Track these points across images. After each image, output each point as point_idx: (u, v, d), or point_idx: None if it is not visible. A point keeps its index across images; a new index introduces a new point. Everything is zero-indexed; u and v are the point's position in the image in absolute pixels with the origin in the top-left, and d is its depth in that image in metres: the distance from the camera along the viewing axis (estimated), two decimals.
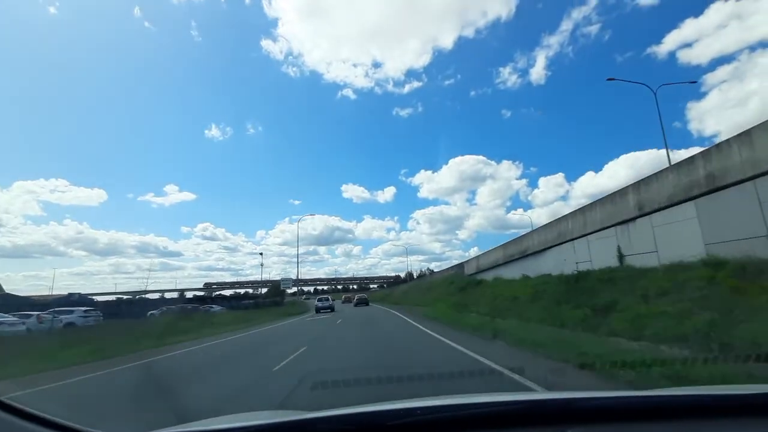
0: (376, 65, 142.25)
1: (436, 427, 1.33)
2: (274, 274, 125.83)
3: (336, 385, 4.93)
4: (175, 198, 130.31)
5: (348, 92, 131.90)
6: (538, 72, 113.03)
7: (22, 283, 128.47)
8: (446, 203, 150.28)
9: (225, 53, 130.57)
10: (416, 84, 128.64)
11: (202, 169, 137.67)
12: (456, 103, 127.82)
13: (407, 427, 1.34)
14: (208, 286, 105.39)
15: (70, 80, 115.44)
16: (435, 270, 64.04)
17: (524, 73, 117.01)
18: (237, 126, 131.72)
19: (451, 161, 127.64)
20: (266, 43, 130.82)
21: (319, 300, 37.26)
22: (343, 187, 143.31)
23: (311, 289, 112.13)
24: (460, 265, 35.18)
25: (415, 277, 59.21)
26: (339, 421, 1.38)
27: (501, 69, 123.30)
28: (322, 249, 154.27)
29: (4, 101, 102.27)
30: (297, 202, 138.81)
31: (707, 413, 1.35)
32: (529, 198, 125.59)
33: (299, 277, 55.00)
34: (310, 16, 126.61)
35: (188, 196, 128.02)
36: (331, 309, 33.72)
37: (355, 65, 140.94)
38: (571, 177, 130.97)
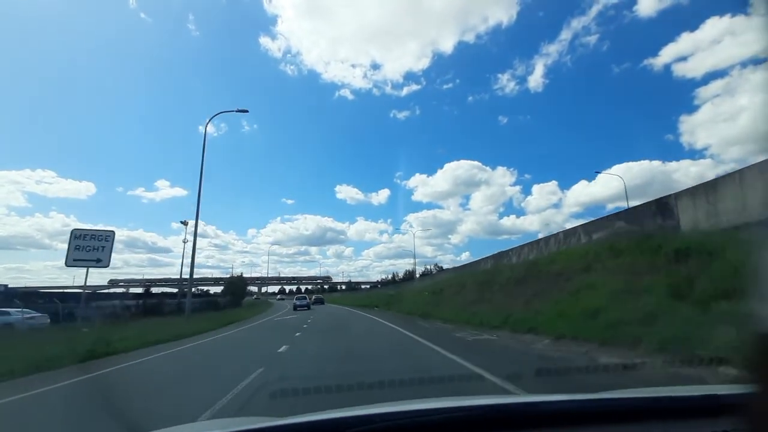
0: (375, 67, 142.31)
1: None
2: (263, 271, 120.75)
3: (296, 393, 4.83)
4: (166, 194, 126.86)
5: (346, 93, 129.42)
6: (536, 80, 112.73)
7: (4, 275, 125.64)
8: (440, 207, 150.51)
9: (223, 49, 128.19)
10: (414, 87, 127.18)
11: (194, 166, 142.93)
12: (453, 108, 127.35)
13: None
14: (113, 283, 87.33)
15: (61, 71, 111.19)
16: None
17: (522, 80, 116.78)
18: (232, 123, 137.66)
19: (447, 165, 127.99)
20: (265, 41, 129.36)
21: (297, 299, 42.13)
22: (337, 188, 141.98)
23: (293, 288, 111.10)
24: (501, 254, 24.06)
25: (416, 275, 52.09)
26: (296, 429, 1.37)
27: (500, 75, 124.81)
28: (313, 249, 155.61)
29: None
30: (290, 202, 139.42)
31: (665, 414, 1.40)
32: (523, 205, 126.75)
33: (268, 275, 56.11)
34: (310, 15, 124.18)
35: (180, 192, 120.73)
36: (308, 307, 37.24)
37: (353, 66, 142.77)
38: (565, 185, 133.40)
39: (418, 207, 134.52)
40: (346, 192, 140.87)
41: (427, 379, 5.62)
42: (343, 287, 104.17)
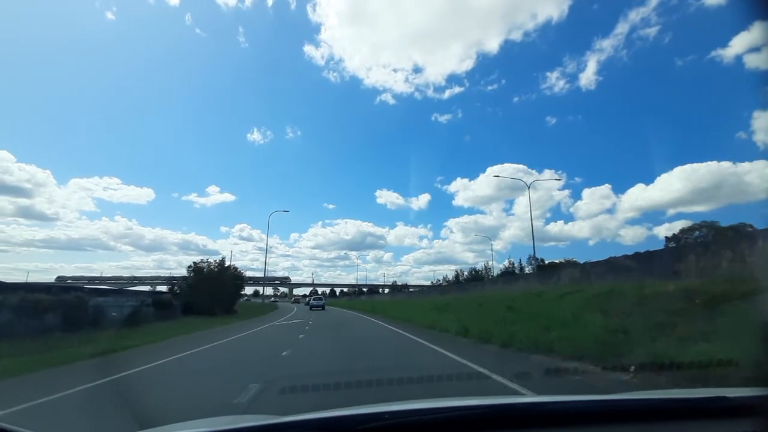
0: (417, 70, 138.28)
1: (405, 430, 1.38)
2: (305, 276, 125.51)
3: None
4: (216, 199, 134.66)
5: (387, 97, 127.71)
6: (588, 77, 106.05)
7: (75, 273, 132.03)
8: (482, 212, 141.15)
9: (269, 59, 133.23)
10: (457, 89, 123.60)
11: (242, 172, 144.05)
12: (498, 110, 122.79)
13: (375, 431, 1.36)
14: (61, 280, 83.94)
15: (123, 86, 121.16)
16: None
17: (573, 78, 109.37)
18: (277, 130, 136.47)
19: (489, 169, 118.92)
20: (309, 49, 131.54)
21: (314, 299, 48.93)
22: (378, 193, 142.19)
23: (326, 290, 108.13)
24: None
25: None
26: (307, 426, 1.38)
27: (548, 74, 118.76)
28: (353, 254, 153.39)
29: (64, 104, 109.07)
30: (331, 206, 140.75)
31: (666, 416, 1.42)
32: (571, 210, 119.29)
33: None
34: (353, 21, 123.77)
35: (228, 197, 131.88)
36: (322, 308, 42.44)
37: (395, 70, 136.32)
38: (619, 189, 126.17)
39: (459, 212, 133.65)
40: (387, 197, 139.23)
41: None
42: (386, 290, 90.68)
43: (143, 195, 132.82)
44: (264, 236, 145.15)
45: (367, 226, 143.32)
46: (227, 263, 33.70)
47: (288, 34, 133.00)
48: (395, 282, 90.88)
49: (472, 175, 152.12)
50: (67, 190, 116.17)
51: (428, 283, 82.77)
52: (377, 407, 1.55)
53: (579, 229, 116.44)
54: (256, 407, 4.55)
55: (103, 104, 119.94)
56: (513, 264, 62.24)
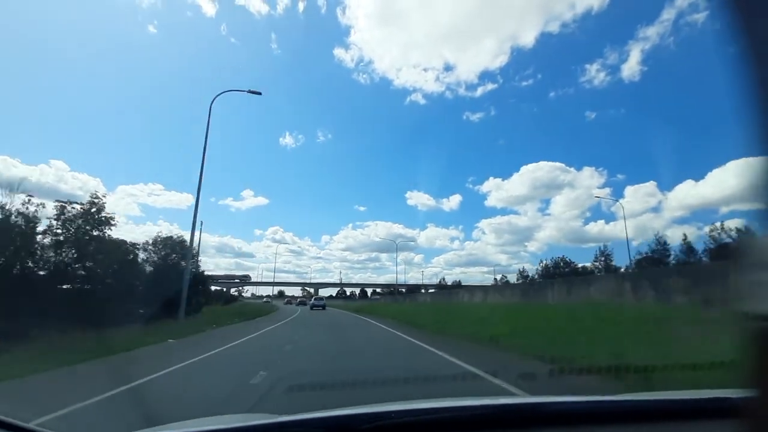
0: (448, 68, 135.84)
1: (407, 430, 1.39)
2: (335, 278, 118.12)
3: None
4: (251, 202, 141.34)
5: (417, 97, 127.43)
6: (630, 68, 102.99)
7: None
8: (515, 213, 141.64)
9: (300, 63, 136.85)
10: (490, 86, 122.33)
11: (275, 176, 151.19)
12: (533, 106, 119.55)
13: (380, 430, 1.37)
14: None
15: (165, 94, 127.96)
16: None
17: (614, 69, 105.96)
18: (308, 134, 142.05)
19: (524, 168, 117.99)
20: (339, 52, 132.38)
21: (315, 299, 48.91)
22: (408, 194, 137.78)
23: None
24: None
25: None
26: (313, 425, 1.40)
27: (587, 66, 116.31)
28: (383, 256, 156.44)
29: (110, 114, 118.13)
30: (362, 209, 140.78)
31: (665, 417, 1.46)
32: (613, 209, 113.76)
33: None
34: (382, 22, 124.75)
35: (262, 200, 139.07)
36: (323, 307, 42.76)
37: (425, 69, 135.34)
38: (666, 186, 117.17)
39: (492, 212, 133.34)
40: (417, 198, 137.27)
41: None
42: (431, 290, 77.81)
43: (183, 200, 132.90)
44: (296, 239, 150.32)
45: (398, 228, 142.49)
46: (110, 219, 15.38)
47: (318, 38, 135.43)
48: (443, 280, 76.51)
49: (505, 174, 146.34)
50: (115, 196, 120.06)
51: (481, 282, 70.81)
52: (383, 406, 1.55)
53: (621, 229, 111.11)
54: None
55: (145, 114, 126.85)
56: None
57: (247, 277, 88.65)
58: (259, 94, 21.99)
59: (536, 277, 49.75)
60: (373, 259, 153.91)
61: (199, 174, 19.16)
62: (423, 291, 74.96)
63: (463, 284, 71.03)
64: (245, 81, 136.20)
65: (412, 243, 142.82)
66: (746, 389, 0.59)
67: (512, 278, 64.86)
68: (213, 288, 67.99)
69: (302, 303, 68.48)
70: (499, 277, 72.30)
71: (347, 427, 1.37)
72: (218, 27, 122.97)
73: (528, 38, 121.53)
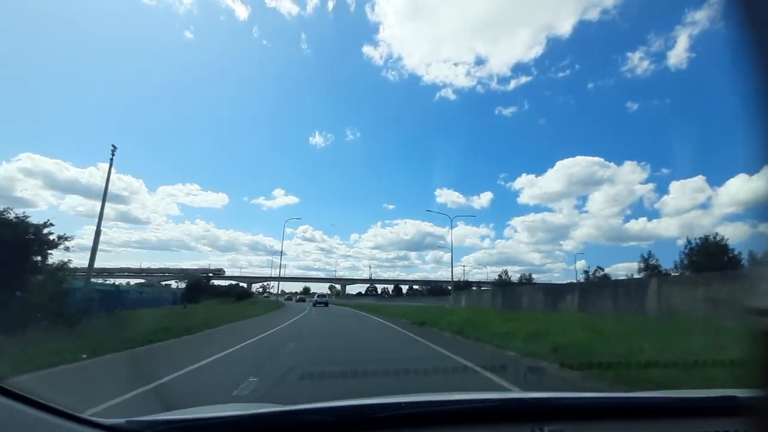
0: (480, 62, 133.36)
1: (417, 421, 1.40)
2: (365, 275, 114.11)
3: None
4: (282, 201, 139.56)
5: (447, 93, 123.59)
6: (677, 55, 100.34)
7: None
8: (550, 210, 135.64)
9: (330, 62, 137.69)
10: (524, 79, 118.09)
11: (305, 175, 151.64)
12: (570, 98, 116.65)
13: (389, 420, 1.39)
14: None
15: (201, 98, 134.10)
16: None
17: (659, 57, 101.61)
18: (337, 132, 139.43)
19: (559, 164, 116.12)
20: (367, 49, 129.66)
21: (318, 297, 50.09)
22: (437, 192, 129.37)
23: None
24: None
25: None
26: (324, 413, 1.42)
27: (629, 55, 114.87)
28: (412, 254, 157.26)
29: (153, 118, 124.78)
30: (391, 207, 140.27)
31: (670, 414, 1.48)
32: (656, 206, 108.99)
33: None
34: (411, 18, 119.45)
35: (292, 199, 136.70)
36: (326, 304, 43.60)
37: (456, 64, 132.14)
38: (716, 181, 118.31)
39: (525, 210, 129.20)
40: (447, 196, 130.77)
41: None
42: (484, 287, 65.35)
43: (219, 199, 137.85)
44: (326, 237, 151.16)
45: (427, 226, 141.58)
46: None
47: (347, 37, 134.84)
48: (503, 274, 61.25)
49: (539, 170, 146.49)
50: (157, 196, 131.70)
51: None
52: (394, 398, 1.58)
53: (665, 227, 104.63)
54: None
55: (183, 117, 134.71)
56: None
57: (221, 270, 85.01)
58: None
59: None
60: (402, 257, 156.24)
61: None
62: (475, 288, 61.21)
63: (529, 281, 56.10)
64: (276, 81, 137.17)
65: (441, 242, 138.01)
66: (752, 387, 0.57)
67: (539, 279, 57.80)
68: (228, 283, 64.71)
69: (301, 300, 69.11)
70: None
71: (358, 417, 1.40)
72: (250, 30, 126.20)
73: (565, 27, 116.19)
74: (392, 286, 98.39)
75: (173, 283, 58.39)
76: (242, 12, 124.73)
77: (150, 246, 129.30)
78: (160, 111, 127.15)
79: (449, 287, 78.86)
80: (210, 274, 63.13)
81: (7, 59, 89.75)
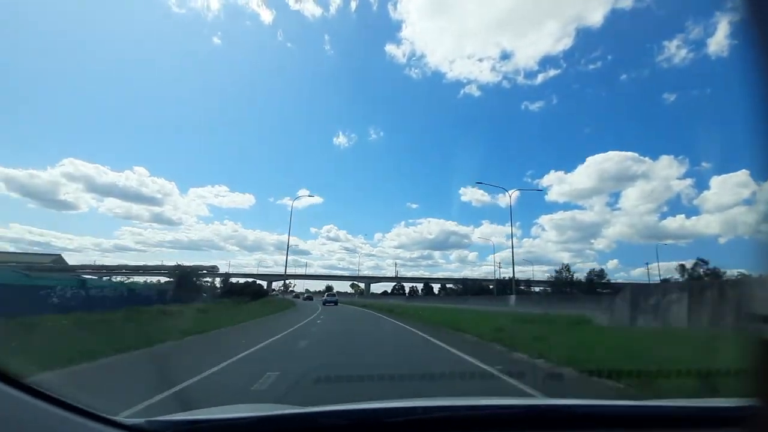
0: (505, 56, 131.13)
1: (435, 427, 1.36)
2: (390, 273, 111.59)
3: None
4: (306, 201, 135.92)
5: (471, 89, 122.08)
6: (718, 42, 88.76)
7: None
8: (580, 208, 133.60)
9: (352, 62, 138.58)
10: (552, 72, 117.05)
11: (329, 175, 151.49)
12: (601, 91, 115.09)
13: (406, 425, 1.36)
14: None
15: (229, 101, 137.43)
16: None
17: (698, 45, 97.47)
18: (361, 132, 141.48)
19: (590, 159, 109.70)
20: (390, 48, 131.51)
21: (328, 295, 52.92)
22: (462, 190, 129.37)
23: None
24: None
25: None
26: (340, 416, 1.41)
27: (665, 43, 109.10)
28: (436, 254, 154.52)
29: (183, 121, 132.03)
30: (414, 206, 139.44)
31: (671, 423, 1.42)
32: (695, 202, 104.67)
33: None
34: (435, 14, 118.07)
35: (317, 199, 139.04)
36: (335, 303, 43.84)
37: (480, 59, 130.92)
38: (762, 175, 78.82)
39: (553, 208, 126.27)
40: (472, 194, 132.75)
41: None
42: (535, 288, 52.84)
43: (246, 200, 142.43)
44: (350, 237, 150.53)
45: (451, 225, 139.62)
46: None
47: (370, 36, 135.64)
48: (563, 270, 50.30)
49: (569, 167, 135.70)
50: (188, 198, 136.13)
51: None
52: (410, 401, 1.55)
53: (706, 224, 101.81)
54: None
55: (212, 120, 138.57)
56: None
57: (215, 267, 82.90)
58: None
59: None
60: (426, 257, 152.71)
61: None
62: (523, 287, 50.75)
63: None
64: (300, 83, 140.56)
65: (466, 241, 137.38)
66: (752, 397, 0.58)
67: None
68: (244, 281, 62.25)
69: (309, 299, 69.40)
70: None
71: (374, 422, 1.38)
72: (275, 33, 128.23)
73: (596, 17, 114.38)
74: (421, 284, 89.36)
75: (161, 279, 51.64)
76: (267, 16, 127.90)
77: (182, 246, 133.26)
78: (190, 115, 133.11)
79: (491, 286, 69.15)
80: (204, 271, 59.40)
81: (48, 71, 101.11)
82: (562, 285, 42.00)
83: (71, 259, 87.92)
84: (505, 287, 57.19)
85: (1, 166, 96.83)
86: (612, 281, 44.87)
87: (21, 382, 1.01)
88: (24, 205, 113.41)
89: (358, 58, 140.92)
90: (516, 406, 1.58)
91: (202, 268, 68.50)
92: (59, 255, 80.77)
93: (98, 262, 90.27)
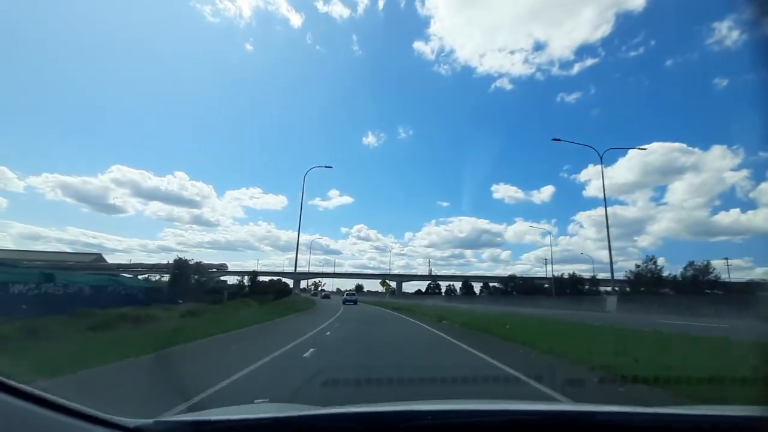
0: (538, 47, 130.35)
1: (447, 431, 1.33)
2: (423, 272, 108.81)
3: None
4: (337, 202, 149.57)
5: (503, 83, 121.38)
6: None
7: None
8: (621, 203, 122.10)
9: (381, 61, 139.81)
10: (589, 61, 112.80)
11: (359, 175, 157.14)
12: (643, 78, 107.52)
13: (417, 430, 1.32)
14: None
15: (262, 106, 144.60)
16: None
17: (753, 24, 52.18)
18: (390, 131, 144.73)
19: (631, 152, 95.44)
20: (418, 45, 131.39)
21: (347, 295, 47.90)
22: (494, 187, 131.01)
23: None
24: None
25: None
26: (349, 419, 1.38)
27: (715, 25, 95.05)
28: (468, 252, 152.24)
29: (217, 127, 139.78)
30: (445, 204, 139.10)
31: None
32: (752, 195, 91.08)
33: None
34: (464, 7, 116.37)
35: (347, 199, 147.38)
36: (354, 302, 41.11)
37: (512, 52, 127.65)
38: None
39: (592, 204, 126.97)
40: (504, 191, 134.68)
41: None
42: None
43: (279, 202, 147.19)
44: (380, 236, 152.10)
45: (483, 223, 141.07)
46: None
47: (398, 34, 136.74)
48: (646, 263, 40.18)
49: (609, 160, 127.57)
50: (224, 200, 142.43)
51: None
52: (421, 404, 1.51)
53: (765, 218, 70.53)
54: None
55: (245, 124, 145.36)
56: None
57: (224, 266, 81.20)
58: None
59: None
60: (457, 255, 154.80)
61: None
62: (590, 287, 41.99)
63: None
64: (329, 84, 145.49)
65: (498, 239, 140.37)
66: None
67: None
68: (268, 279, 63.41)
69: (326, 297, 69.35)
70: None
71: (383, 425, 1.34)
72: (304, 36, 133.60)
73: (637, 1, 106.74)
74: (459, 282, 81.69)
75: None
76: (296, 20, 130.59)
77: (220, 247, 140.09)
78: (226, 120, 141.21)
79: (545, 285, 60.99)
80: (214, 269, 60.45)
81: (95, 85, 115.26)
82: (647, 284, 33.65)
83: (120, 259, 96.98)
84: (564, 286, 49.30)
85: (58, 174, 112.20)
86: (718, 279, 35.59)
87: (20, 389, 0.95)
88: (78, 209, 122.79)
89: (387, 56, 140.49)
90: (530, 412, 1.50)
91: (212, 266, 68.62)
92: (99, 254, 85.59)
93: (144, 263, 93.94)
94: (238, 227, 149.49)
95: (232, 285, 50.64)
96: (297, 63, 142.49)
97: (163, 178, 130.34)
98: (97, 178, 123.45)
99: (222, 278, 63.71)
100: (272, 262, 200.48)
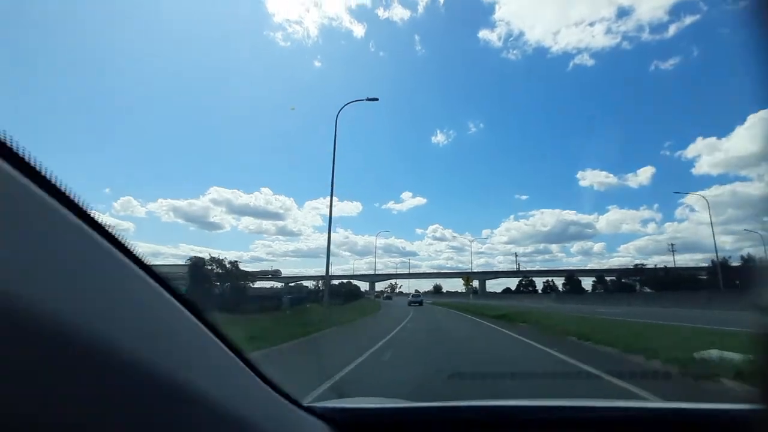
0: (623, 13, 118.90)
1: (567, 427, 1.32)
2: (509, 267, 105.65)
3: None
4: (410, 203, 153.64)
5: (583, 59, 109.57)
6: None
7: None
8: (743, 179, 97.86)
9: (445, 57, 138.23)
10: (688, 20, 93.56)
11: (430, 174, 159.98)
12: (759, 29, 52.05)
13: (540, 423, 1.34)
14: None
15: (331, 117, 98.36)
16: None
17: None
18: (459, 127, 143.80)
19: (752, 117, 75.29)
20: (483, 33, 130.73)
21: (413, 296, 52.56)
22: (579, 174, 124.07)
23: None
24: None
25: None
26: (481, 412, 1.40)
27: None
28: (554, 247, 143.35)
29: (294, 145, 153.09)
30: (523, 197, 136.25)
31: (687, 428, 1.28)
32: None
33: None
34: None
35: (420, 200, 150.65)
36: (420, 303, 43.83)
37: (591, 24, 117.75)
38: None
39: (704, 182, 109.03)
40: (592, 177, 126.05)
41: None
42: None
43: (354, 208, 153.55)
44: (456, 234, 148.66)
45: (569, 215, 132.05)
46: None
47: (461, 25, 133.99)
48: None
49: (722, 131, 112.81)
50: (304, 211, 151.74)
51: None
52: (544, 401, 1.47)
53: None
54: None
55: (318, 137, 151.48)
56: None
57: (278, 272, 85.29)
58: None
59: None
60: (542, 251, 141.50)
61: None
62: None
63: None
64: (394, 88, 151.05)
65: (589, 230, 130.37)
66: (758, 399, 0.57)
67: None
68: (338, 282, 65.03)
69: (388, 298, 73.49)
70: None
71: (509, 419, 1.35)
72: (367, 45, 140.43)
73: None
74: (561, 279, 68.07)
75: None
76: (359, 30, 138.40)
77: (302, 254, 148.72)
78: (301, 136, 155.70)
79: (699, 276, 46.55)
80: (269, 276, 64.42)
81: (190, 119, 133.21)
82: None
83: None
84: (731, 276, 34.80)
85: (170, 199, 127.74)
86: None
87: (244, 356, 0.96)
88: (187, 228, 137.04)
89: (450, 51, 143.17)
90: (625, 409, 1.40)
91: (268, 272, 69.22)
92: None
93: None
94: (317, 235, 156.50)
95: (310, 290, 51.41)
96: (362, 71, 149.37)
97: (251, 195, 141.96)
98: (199, 199, 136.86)
99: (300, 282, 67.19)
100: (351, 267, 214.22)
